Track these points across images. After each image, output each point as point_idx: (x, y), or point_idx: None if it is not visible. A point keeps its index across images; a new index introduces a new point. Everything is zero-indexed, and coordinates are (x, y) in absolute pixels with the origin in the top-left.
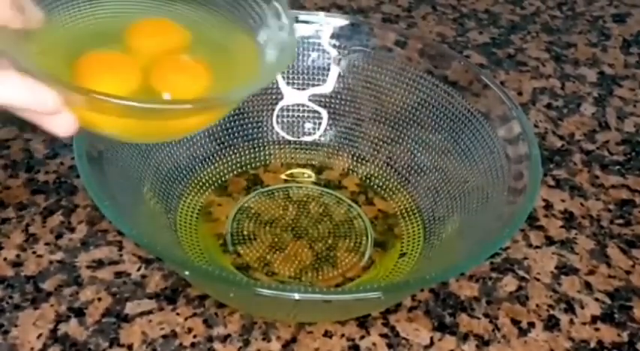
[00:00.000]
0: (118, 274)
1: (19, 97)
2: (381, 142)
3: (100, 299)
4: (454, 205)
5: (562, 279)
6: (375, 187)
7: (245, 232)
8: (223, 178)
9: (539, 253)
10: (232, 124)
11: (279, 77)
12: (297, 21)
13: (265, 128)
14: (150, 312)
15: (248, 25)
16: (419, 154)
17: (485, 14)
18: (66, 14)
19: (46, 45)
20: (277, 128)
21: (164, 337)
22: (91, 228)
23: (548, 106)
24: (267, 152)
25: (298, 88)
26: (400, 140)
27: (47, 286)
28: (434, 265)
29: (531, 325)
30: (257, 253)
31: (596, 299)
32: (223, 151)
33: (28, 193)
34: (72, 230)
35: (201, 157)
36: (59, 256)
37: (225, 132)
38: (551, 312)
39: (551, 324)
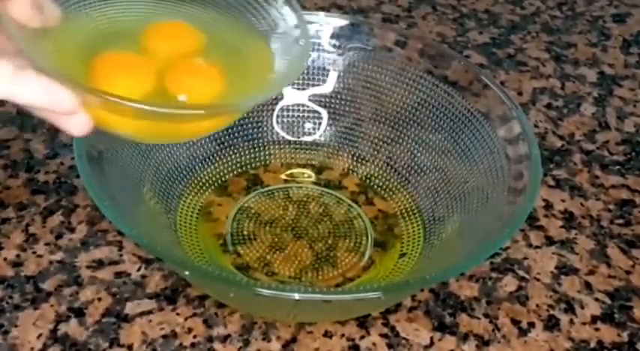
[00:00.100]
0: (118, 274)
1: (38, 97)
2: (381, 142)
3: (100, 299)
4: (454, 205)
5: (562, 279)
6: (375, 187)
7: (245, 232)
8: (223, 178)
9: (539, 253)
10: (232, 124)
11: None
12: None
13: (265, 128)
14: (150, 312)
15: (261, 29)
16: (419, 154)
17: (485, 14)
18: (82, 14)
19: (62, 44)
20: (277, 128)
21: (164, 337)
22: (91, 228)
23: (548, 106)
24: (267, 152)
25: (298, 88)
26: (400, 140)
27: (47, 286)
28: (434, 265)
29: (531, 325)
30: (257, 253)
31: (596, 299)
32: (223, 151)
33: (28, 193)
34: (72, 230)
35: (201, 157)
36: (59, 256)
37: (225, 132)
38: (551, 312)
39: (551, 324)
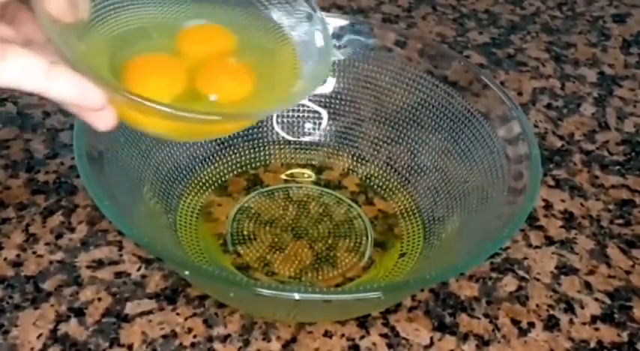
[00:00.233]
0: (118, 274)
1: (69, 93)
2: (381, 142)
3: (100, 299)
4: (454, 205)
5: (562, 279)
6: (375, 187)
7: (245, 232)
8: (223, 178)
9: (539, 253)
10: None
11: None
12: None
13: (265, 128)
14: (150, 312)
15: (286, 32)
16: (419, 154)
17: (485, 14)
18: (113, 13)
19: (92, 41)
20: (277, 128)
21: (164, 337)
22: (91, 228)
23: (548, 106)
24: (267, 152)
25: None
26: (400, 140)
27: (47, 286)
28: (434, 265)
29: (531, 325)
30: (257, 253)
31: (596, 299)
32: (223, 151)
33: (28, 193)
34: (72, 230)
35: (201, 157)
36: (59, 256)
37: None
38: (551, 312)
39: (551, 324)
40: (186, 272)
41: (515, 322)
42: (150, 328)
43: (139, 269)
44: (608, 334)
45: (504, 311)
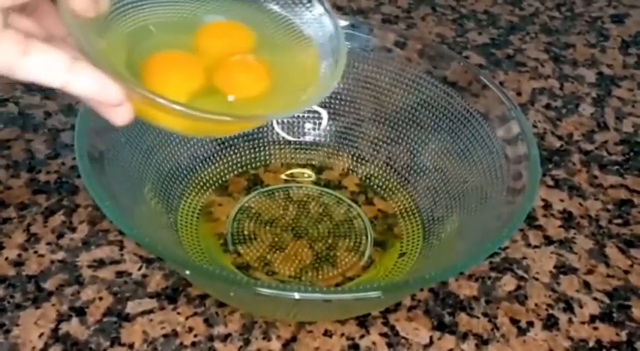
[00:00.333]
0: (119, 274)
1: (90, 89)
2: (380, 142)
3: (101, 299)
4: (453, 205)
5: (561, 278)
6: (375, 187)
7: (245, 232)
8: (224, 178)
9: (538, 252)
10: None
11: None
12: None
13: (265, 128)
14: (151, 311)
15: (305, 30)
16: (418, 154)
17: (484, 15)
18: (132, 10)
19: (111, 37)
20: (277, 128)
21: (165, 336)
22: (92, 228)
23: (547, 106)
24: (267, 152)
25: None
26: (400, 140)
27: (48, 285)
28: (433, 265)
29: (530, 324)
30: (257, 252)
31: (595, 299)
32: (224, 151)
33: (30, 193)
34: (73, 230)
35: (201, 157)
36: (60, 255)
37: None
38: (550, 311)
39: (550, 323)
40: (187, 272)
41: (515, 322)
42: (151, 328)
43: (139, 269)
44: (606, 333)
45: (503, 310)
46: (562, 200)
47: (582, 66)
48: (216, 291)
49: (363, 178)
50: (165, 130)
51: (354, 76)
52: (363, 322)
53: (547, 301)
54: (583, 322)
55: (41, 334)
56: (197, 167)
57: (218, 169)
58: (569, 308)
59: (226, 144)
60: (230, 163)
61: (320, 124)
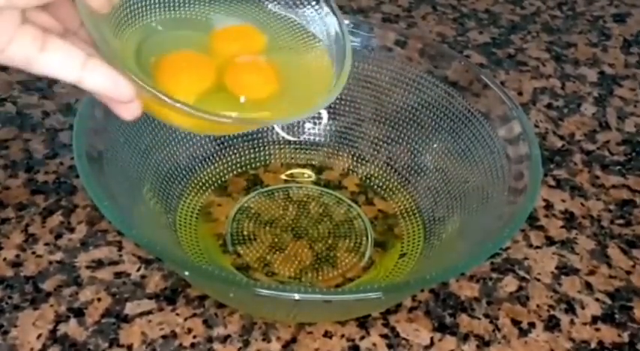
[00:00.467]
0: (118, 275)
1: (104, 86)
2: (381, 142)
3: (99, 299)
4: (454, 205)
5: (562, 279)
6: (375, 187)
7: (245, 233)
8: (223, 179)
9: (539, 253)
10: None
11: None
12: None
13: (265, 128)
14: (149, 312)
15: (318, 34)
16: (419, 154)
17: (485, 14)
18: (146, 11)
19: (124, 34)
20: (277, 128)
21: (164, 337)
22: (90, 228)
23: (549, 106)
24: (267, 152)
25: None
26: (400, 140)
27: (47, 286)
28: (434, 266)
29: (532, 325)
30: (257, 253)
31: (597, 299)
32: (223, 151)
33: (28, 194)
34: (71, 230)
35: (201, 157)
36: (59, 256)
37: None
38: (552, 312)
39: (552, 324)
40: (186, 272)
41: (516, 323)
42: (149, 329)
43: (138, 269)
44: (608, 334)
45: (505, 311)
46: (564, 200)
47: (584, 65)
48: (216, 292)
49: (364, 178)
50: (172, 126)
51: (354, 76)
52: (363, 323)
53: (549, 302)
54: (585, 323)
55: (39, 335)
56: (196, 167)
57: (217, 169)
58: (570, 309)
59: (226, 144)
60: (229, 163)
61: (320, 124)
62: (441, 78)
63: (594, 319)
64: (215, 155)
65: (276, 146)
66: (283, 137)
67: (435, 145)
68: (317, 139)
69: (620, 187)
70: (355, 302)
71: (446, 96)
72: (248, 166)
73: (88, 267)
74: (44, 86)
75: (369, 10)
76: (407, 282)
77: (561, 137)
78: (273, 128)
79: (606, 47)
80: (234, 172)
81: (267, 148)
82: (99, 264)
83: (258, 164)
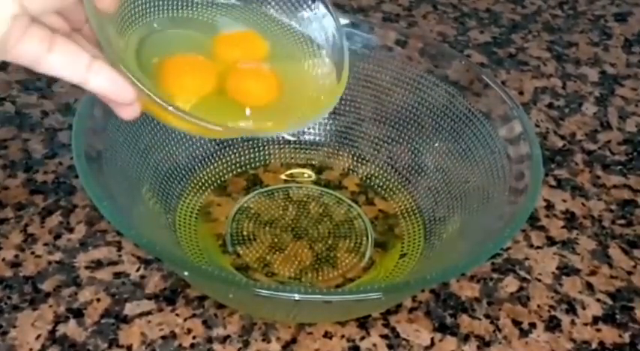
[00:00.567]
0: (117, 275)
1: (107, 88)
2: (381, 142)
3: (98, 300)
4: (455, 205)
5: (563, 279)
6: (376, 187)
7: (245, 233)
8: (223, 178)
9: (540, 253)
10: None
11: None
12: None
13: None
14: (149, 313)
15: (319, 42)
16: (419, 154)
17: (486, 13)
18: (151, 16)
19: (128, 35)
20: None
21: (163, 338)
22: (89, 228)
23: (550, 105)
24: (266, 152)
25: None
26: (400, 140)
27: (46, 286)
28: (434, 266)
29: (532, 325)
30: (257, 253)
31: (598, 300)
32: (223, 151)
33: (27, 194)
34: (71, 230)
35: (200, 157)
36: (58, 256)
37: None
38: (553, 313)
39: (553, 325)
40: (186, 273)
41: (517, 323)
42: (149, 329)
43: (138, 270)
44: (609, 334)
45: (505, 312)
46: (565, 200)
47: (585, 65)
48: (215, 292)
49: (364, 178)
50: (171, 127)
51: (354, 75)
52: (363, 323)
53: (549, 303)
54: (586, 324)
55: (38, 336)
56: (196, 167)
57: (217, 169)
58: (571, 309)
59: (225, 144)
60: (229, 163)
61: (320, 123)
62: (441, 77)
63: (595, 320)
64: (215, 155)
65: (276, 146)
66: (283, 137)
67: (435, 145)
68: (317, 138)
69: (622, 187)
70: (355, 302)
71: (446, 95)
72: (248, 166)
73: (87, 267)
74: (43, 86)
75: (370, 10)
76: (407, 282)
77: (562, 137)
78: None
79: (607, 46)
80: (234, 172)
81: (266, 147)
82: (98, 264)
83: (257, 164)
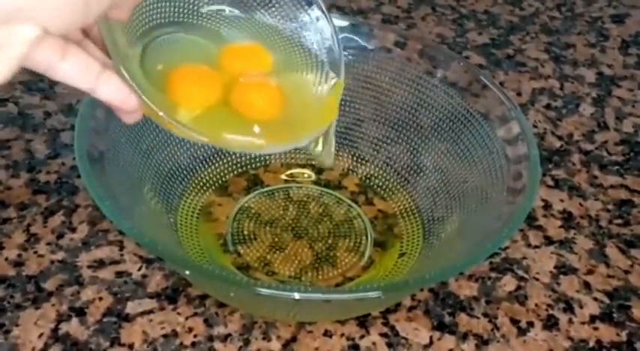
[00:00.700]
0: (119, 274)
1: (114, 98)
2: (380, 143)
3: (101, 299)
4: (453, 205)
5: (561, 279)
6: (375, 187)
7: (245, 232)
8: (224, 179)
9: (538, 252)
10: None
11: None
12: None
13: None
14: (151, 311)
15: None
16: (418, 154)
17: (484, 15)
18: (159, 30)
19: (134, 36)
20: None
21: (165, 336)
22: (92, 228)
23: (547, 106)
24: None
25: None
26: (400, 140)
27: (48, 285)
28: (433, 265)
29: (530, 324)
30: (257, 252)
31: (595, 299)
32: (223, 151)
33: (30, 193)
34: (73, 230)
35: (201, 157)
36: (60, 255)
37: None
38: (550, 311)
39: (550, 323)
40: (187, 272)
41: (515, 322)
42: (150, 328)
43: (139, 269)
44: (607, 333)
45: (503, 311)
46: (562, 200)
47: (582, 66)
48: (216, 291)
49: (363, 178)
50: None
51: (354, 76)
52: (363, 322)
53: (547, 302)
54: (583, 323)
55: (41, 335)
56: (197, 167)
57: (218, 169)
58: (569, 308)
59: None
60: (230, 163)
61: None
62: (440, 79)
63: (592, 319)
64: (216, 155)
65: None
66: None
67: (434, 146)
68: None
69: (619, 187)
70: (355, 301)
71: (445, 96)
72: (248, 166)
73: (89, 266)
74: (46, 87)
75: (369, 11)
76: (406, 281)
77: (560, 137)
78: None
79: (605, 48)
80: (235, 172)
81: None
82: (100, 263)
83: (258, 164)
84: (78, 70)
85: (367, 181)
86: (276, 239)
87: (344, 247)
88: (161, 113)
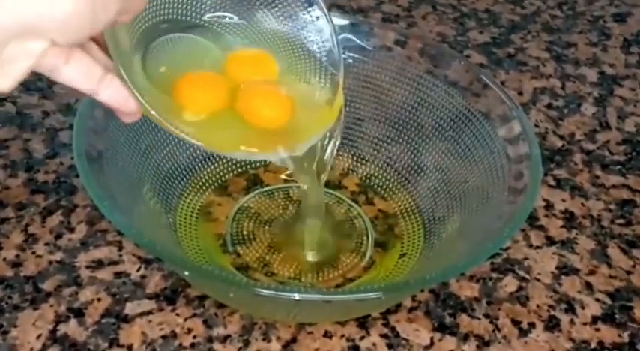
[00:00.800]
0: (118, 275)
1: (115, 101)
2: (381, 142)
3: (99, 299)
4: (454, 205)
5: (562, 279)
6: (375, 187)
7: (245, 232)
8: (223, 178)
9: (539, 253)
10: None
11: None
12: None
13: None
14: (149, 312)
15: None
16: (419, 154)
17: (485, 14)
18: (160, 15)
19: (136, 35)
20: None
21: (164, 337)
22: (90, 228)
23: (549, 105)
24: None
25: None
26: (400, 140)
27: (47, 286)
28: (434, 265)
29: (532, 325)
30: (257, 253)
31: (597, 299)
32: None
33: (28, 193)
34: (71, 230)
35: (201, 157)
36: (59, 256)
37: None
38: (552, 312)
39: (552, 324)
40: (186, 272)
41: (516, 323)
42: (149, 329)
43: (138, 269)
44: (608, 334)
45: (505, 311)
46: (564, 200)
47: (584, 65)
48: (216, 292)
49: (364, 178)
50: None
51: (354, 76)
52: (363, 323)
53: (549, 302)
54: (585, 323)
55: (39, 335)
56: (196, 167)
57: (217, 169)
58: (570, 309)
59: None
60: (229, 163)
61: None
62: (441, 78)
63: (594, 319)
64: (215, 155)
65: None
66: None
67: (435, 145)
68: None
69: (620, 187)
70: (355, 302)
71: (446, 96)
72: (248, 166)
73: (88, 267)
74: (44, 86)
75: (369, 10)
76: (407, 282)
77: (561, 137)
78: None
79: (606, 47)
80: (234, 172)
81: None
82: (99, 264)
83: (258, 164)
84: (81, 74)
85: (367, 181)
86: (276, 239)
87: (344, 247)
88: (158, 116)
